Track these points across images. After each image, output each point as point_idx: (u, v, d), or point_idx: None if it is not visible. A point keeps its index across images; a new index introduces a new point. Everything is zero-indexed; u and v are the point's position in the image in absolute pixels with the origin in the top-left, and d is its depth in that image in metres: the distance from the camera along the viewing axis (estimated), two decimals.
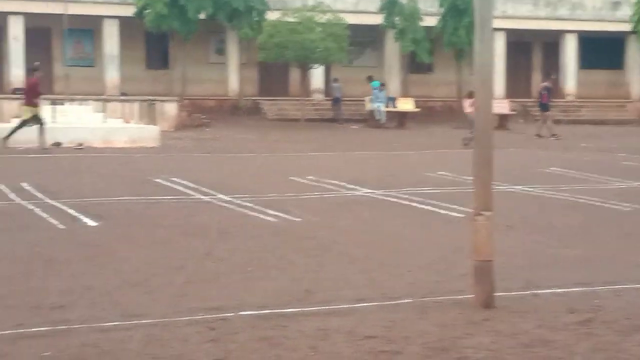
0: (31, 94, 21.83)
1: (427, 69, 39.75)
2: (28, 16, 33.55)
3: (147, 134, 24.51)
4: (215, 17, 34.59)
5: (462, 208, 12.05)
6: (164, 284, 7.82)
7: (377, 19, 36.84)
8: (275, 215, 11.76)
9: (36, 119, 21.61)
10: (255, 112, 36.03)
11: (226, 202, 13.10)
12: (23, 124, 21.63)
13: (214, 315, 6.67)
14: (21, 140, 22.36)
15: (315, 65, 34.14)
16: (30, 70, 22.82)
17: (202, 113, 33.14)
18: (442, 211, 12.37)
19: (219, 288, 7.69)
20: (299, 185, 15.54)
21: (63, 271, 8.33)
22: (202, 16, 34.14)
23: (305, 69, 34.08)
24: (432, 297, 7.34)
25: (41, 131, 21.58)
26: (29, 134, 22.55)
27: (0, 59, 35.24)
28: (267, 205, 12.65)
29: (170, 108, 31.10)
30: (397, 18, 36.30)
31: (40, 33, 35.33)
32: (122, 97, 31.28)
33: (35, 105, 21.73)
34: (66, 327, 6.35)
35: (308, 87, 36.72)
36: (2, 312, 6.78)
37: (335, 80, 36.43)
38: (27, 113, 21.66)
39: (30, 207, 12.36)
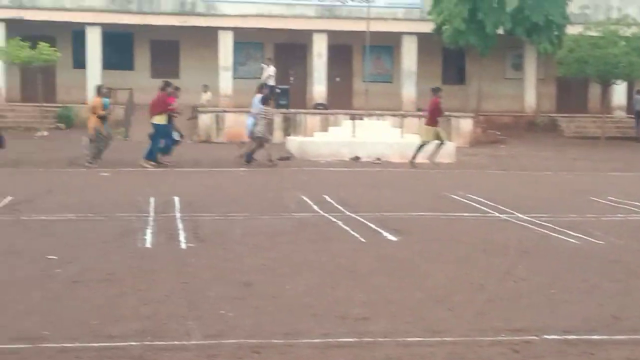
0: (435, 113, 22.50)
1: None
2: (331, 34, 34.91)
3: (442, 150, 24.64)
4: (513, 32, 34.22)
5: None
6: (465, 301, 7.79)
7: None
8: (577, 237, 11.40)
9: (437, 137, 22.31)
10: (552, 129, 35.23)
11: (525, 221, 12.87)
12: (424, 144, 22.36)
13: (517, 337, 6.56)
14: (323, 154, 23.29)
15: (618, 81, 32.83)
16: (433, 90, 23.44)
17: (497, 129, 32.90)
18: None
19: (521, 309, 7.55)
20: (599, 206, 14.99)
21: (366, 283, 8.53)
22: (499, 31, 33.89)
23: (606, 85, 32.87)
24: None
25: (438, 148, 22.34)
26: (323, 148, 23.46)
27: (305, 75, 36.90)
28: (568, 226, 12.29)
29: (466, 124, 31.12)
30: None
31: (342, 50, 36.65)
32: (419, 113, 31.65)
33: (436, 124, 22.43)
34: (371, 339, 6.49)
35: (609, 103, 35.40)
36: (310, 321, 7.05)
37: (638, 92, 34.81)
38: (428, 133, 22.39)
39: (333, 219, 12.79)
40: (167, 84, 21.63)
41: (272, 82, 32.38)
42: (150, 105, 21.42)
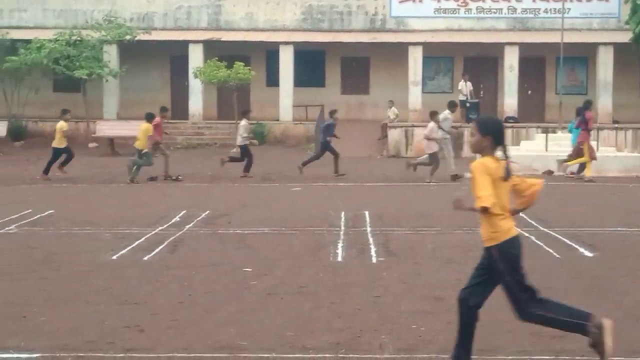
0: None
1: None
2: (523, 46, 34.31)
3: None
4: None
5: None
6: None
7: None
8: None
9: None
10: None
11: None
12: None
13: None
14: (515, 168, 22.84)
15: None
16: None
17: None
18: None
19: None
20: None
21: (562, 300, 8.27)
22: None
23: None
24: None
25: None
26: (521, 162, 22.99)
27: (495, 89, 36.43)
28: None
29: None
30: None
31: (534, 62, 35.93)
32: (615, 125, 30.61)
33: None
34: (568, 357, 6.31)
35: None
36: (504, 337, 6.92)
37: None
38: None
39: (526, 234, 12.51)
40: None
41: (462, 97, 32.17)
42: None
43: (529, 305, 5.82)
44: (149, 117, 21.72)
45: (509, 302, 5.90)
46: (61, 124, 22.08)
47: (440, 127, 21.26)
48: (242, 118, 22.93)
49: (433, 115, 21.59)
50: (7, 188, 19.67)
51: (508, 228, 5.89)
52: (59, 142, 21.88)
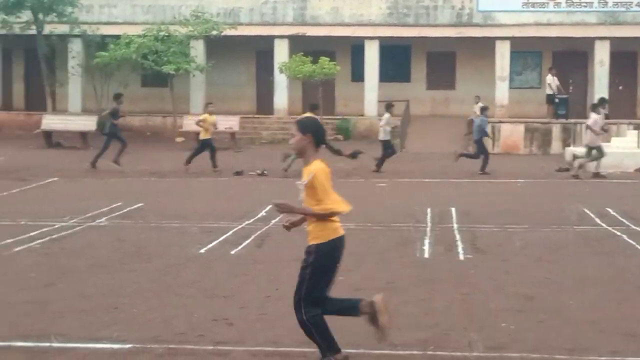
0: None
1: None
2: (614, 40, 33.57)
3: None
4: None
5: None
6: None
7: None
8: None
9: None
10: None
11: None
12: None
13: None
14: (605, 165, 22.41)
15: None
16: None
17: None
18: None
19: None
20: None
21: None
22: None
23: None
24: None
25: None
26: (606, 159, 22.55)
27: (585, 84, 35.73)
28: None
29: None
30: None
31: (626, 56, 35.14)
32: None
33: None
34: None
35: None
36: (596, 337, 6.78)
37: None
38: None
39: (617, 232, 12.27)
40: None
41: (549, 91, 31.67)
42: None
43: (304, 304, 5.95)
44: (314, 108, 22.31)
45: (296, 290, 6.00)
46: (204, 117, 22.75)
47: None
48: (386, 112, 22.94)
49: (595, 107, 21.65)
50: (97, 181, 20.05)
51: (335, 227, 6.00)
52: (204, 134, 22.45)
